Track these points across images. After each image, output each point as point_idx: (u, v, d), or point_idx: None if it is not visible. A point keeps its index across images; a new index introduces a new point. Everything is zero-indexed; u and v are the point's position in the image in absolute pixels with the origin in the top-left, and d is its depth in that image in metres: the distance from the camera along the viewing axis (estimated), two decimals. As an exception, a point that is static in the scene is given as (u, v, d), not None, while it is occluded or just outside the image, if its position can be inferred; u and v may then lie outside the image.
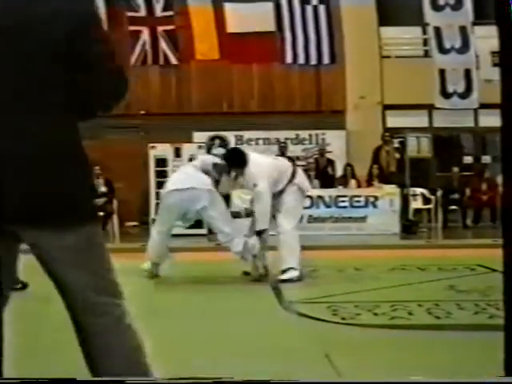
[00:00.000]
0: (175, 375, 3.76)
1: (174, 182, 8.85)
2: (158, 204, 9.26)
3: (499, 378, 2.52)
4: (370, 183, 15.89)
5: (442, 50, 16.46)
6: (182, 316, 6.27)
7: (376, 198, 14.84)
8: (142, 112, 17.42)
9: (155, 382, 2.77)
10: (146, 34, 16.13)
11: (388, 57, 17.86)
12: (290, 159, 10.78)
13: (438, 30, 16.48)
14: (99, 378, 2.56)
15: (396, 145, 16.70)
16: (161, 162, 15.02)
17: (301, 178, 8.67)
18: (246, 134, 16.87)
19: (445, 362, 4.33)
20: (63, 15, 2.57)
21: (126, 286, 2.77)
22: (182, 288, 8.01)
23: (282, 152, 15.94)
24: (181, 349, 4.85)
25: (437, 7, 16.37)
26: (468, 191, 16.37)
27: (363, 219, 14.72)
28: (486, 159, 18.35)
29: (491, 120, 17.15)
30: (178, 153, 15.16)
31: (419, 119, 17.99)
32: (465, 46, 16.38)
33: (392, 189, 14.99)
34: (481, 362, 4.20)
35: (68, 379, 2.51)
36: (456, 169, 16.99)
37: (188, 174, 8.75)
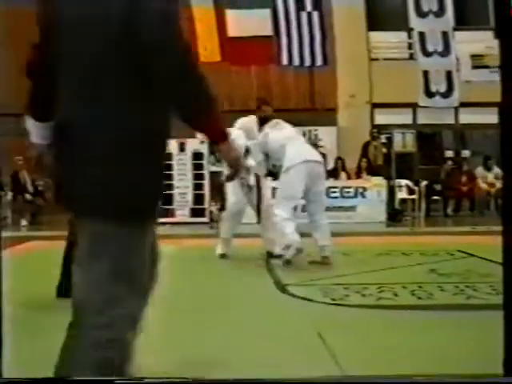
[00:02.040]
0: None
1: (300, 152, 7.88)
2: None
3: (499, 378, 2.51)
4: (359, 175, 15.89)
5: (426, 53, 16.46)
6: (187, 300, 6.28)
7: (364, 189, 14.84)
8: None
9: (144, 382, 2.71)
10: (152, 38, 16.09)
11: (376, 59, 17.84)
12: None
13: (422, 35, 16.47)
14: (94, 378, 2.49)
15: (383, 140, 16.69)
16: (166, 156, 15.02)
17: None
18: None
19: (427, 338, 4.34)
20: None
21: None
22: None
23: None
24: (186, 325, 4.85)
25: (421, 14, 16.37)
26: (449, 182, 16.37)
27: (352, 208, 14.72)
28: (466, 153, 18.37)
29: (470, 117, 17.22)
30: (182, 148, 15.15)
31: (404, 117, 17.99)
32: (446, 50, 16.37)
33: (379, 180, 14.99)
34: (459, 339, 4.20)
35: (67, 379, 2.49)
36: (450, 162, 16.98)
37: (309, 147, 8.30)
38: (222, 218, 8.66)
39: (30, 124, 2.65)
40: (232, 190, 8.33)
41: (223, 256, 8.37)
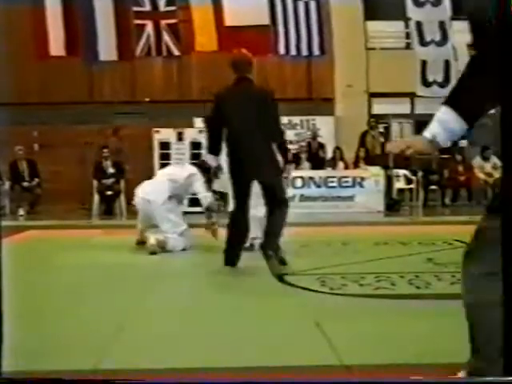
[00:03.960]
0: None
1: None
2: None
3: (499, 378, 2.51)
4: (356, 165, 15.90)
5: (423, 42, 16.40)
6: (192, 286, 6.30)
7: (362, 178, 14.86)
8: (147, 99, 17.38)
9: (145, 382, 2.72)
10: (150, 28, 16.04)
11: (373, 49, 17.83)
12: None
13: (419, 25, 16.41)
14: (93, 378, 2.49)
15: (381, 130, 16.69)
16: (164, 146, 15.04)
17: None
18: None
19: (424, 327, 4.36)
20: None
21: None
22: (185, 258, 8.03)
23: None
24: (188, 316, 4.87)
25: (418, 3, 16.30)
26: (446, 172, 16.39)
27: (351, 198, 14.74)
28: (463, 143, 18.36)
29: (468, 107, 17.19)
30: (180, 137, 15.16)
31: (402, 106, 18.00)
32: (444, 39, 16.33)
33: (377, 170, 15.01)
34: (456, 328, 4.22)
35: (67, 379, 2.50)
36: (436, 152, 16.99)
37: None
38: None
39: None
40: None
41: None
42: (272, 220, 6.93)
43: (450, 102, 2.74)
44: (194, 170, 8.75)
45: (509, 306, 2.21)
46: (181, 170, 9.04)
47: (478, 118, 2.71)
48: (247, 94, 6.92)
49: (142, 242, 8.72)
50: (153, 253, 8.07)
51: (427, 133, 2.81)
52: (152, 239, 8.21)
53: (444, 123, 2.75)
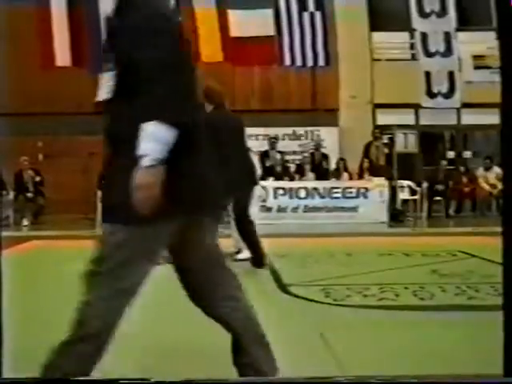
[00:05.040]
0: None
1: None
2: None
3: (499, 378, 2.51)
4: (361, 176, 15.90)
5: (428, 53, 16.45)
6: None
7: (366, 189, 14.86)
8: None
9: (148, 382, 2.72)
10: (155, 38, 16.10)
11: (378, 60, 17.85)
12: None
13: (424, 36, 16.47)
14: (94, 378, 2.50)
15: (385, 141, 16.70)
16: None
17: None
18: (247, 131, 16.83)
19: (428, 339, 4.35)
20: None
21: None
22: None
23: (272, 147, 16.06)
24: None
25: (423, 14, 16.37)
26: (451, 183, 16.39)
27: (354, 209, 14.74)
28: (467, 154, 18.37)
29: (472, 118, 17.22)
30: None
31: (407, 117, 18.00)
32: (448, 51, 16.37)
33: (381, 181, 15.01)
34: (460, 339, 4.22)
35: (67, 379, 2.50)
36: (444, 162, 17.05)
37: None
38: None
39: None
40: None
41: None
42: None
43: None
44: None
45: (508, 308, 2.22)
46: None
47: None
48: (229, 122, 7.69)
49: None
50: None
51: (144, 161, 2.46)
52: None
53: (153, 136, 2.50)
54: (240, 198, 7.47)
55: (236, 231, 7.73)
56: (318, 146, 16.78)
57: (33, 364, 3.68)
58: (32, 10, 15.88)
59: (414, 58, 17.40)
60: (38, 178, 15.84)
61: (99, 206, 15.30)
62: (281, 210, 14.52)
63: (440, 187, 16.22)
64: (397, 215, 14.95)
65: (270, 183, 14.93)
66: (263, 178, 13.60)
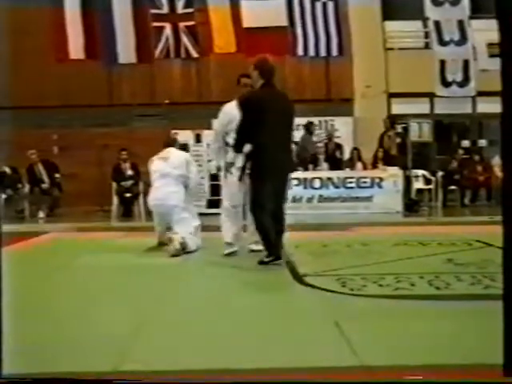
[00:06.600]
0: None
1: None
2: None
3: (499, 379, 2.50)
4: (375, 165, 15.87)
5: (442, 42, 16.34)
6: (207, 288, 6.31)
7: (381, 179, 14.83)
8: (166, 101, 17.46)
9: (143, 382, 2.71)
10: (168, 30, 16.08)
11: (392, 49, 17.80)
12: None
13: (437, 24, 16.35)
14: (94, 378, 2.50)
15: (398, 130, 16.63)
16: (182, 147, 15.09)
17: None
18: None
19: (444, 328, 4.34)
20: None
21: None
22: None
23: (311, 131, 16.20)
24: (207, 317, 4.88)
25: (436, 2, 16.24)
26: (466, 172, 16.32)
27: (369, 199, 14.72)
28: (482, 143, 18.28)
29: (487, 107, 17.12)
30: (198, 139, 15.26)
31: (421, 106, 17.95)
32: (463, 39, 16.25)
33: (395, 171, 14.97)
34: (476, 328, 4.21)
35: (67, 379, 2.51)
36: (461, 151, 17.00)
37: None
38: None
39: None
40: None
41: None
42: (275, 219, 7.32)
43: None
44: (185, 154, 9.04)
45: (508, 306, 2.21)
46: (178, 160, 9.14)
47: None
48: (277, 100, 7.36)
49: (162, 243, 8.76)
50: (175, 255, 8.10)
51: None
52: (177, 243, 8.20)
53: None
54: (278, 184, 7.39)
55: (252, 224, 7.69)
56: (330, 136, 16.76)
57: (46, 355, 3.69)
58: (46, 4, 15.90)
59: (427, 46, 17.31)
60: (54, 172, 15.90)
61: (114, 198, 15.35)
62: (296, 200, 14.50)
63: (455, 176, 16.16)
64: (412, 205, 14.92)
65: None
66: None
